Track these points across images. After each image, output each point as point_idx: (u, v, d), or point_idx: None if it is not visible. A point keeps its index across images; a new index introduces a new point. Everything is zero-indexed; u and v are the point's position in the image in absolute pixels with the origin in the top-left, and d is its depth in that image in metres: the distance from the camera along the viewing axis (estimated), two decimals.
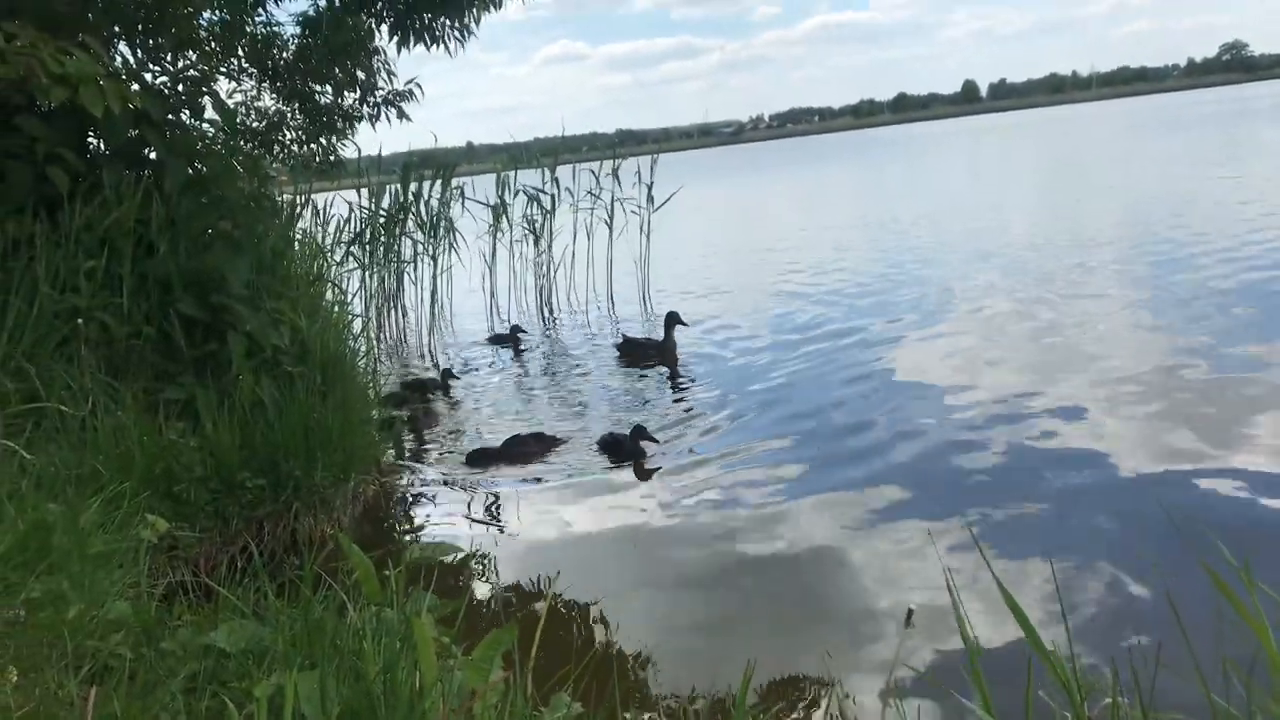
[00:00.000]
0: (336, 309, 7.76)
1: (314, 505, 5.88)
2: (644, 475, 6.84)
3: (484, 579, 5.39)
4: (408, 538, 6.24)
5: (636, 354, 10.34)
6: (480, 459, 7.46)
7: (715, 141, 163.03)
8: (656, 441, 7.34)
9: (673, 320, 10.34)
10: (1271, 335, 8.60)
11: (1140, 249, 14.10)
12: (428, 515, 6.61)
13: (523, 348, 11.79)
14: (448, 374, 9.59)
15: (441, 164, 14.17)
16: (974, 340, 9.67)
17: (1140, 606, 4.26)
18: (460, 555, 5.53)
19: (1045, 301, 11.22)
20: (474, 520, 6.37)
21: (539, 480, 7.03)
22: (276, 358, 6.19)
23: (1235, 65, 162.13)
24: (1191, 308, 10.08)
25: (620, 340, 10.82)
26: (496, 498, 6.76)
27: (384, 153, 14.23)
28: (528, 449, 7.48)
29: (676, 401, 8.74)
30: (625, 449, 7.21)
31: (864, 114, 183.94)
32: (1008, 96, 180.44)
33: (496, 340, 12.26)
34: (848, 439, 7.15)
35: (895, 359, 9.20)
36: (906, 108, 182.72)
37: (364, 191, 13.45)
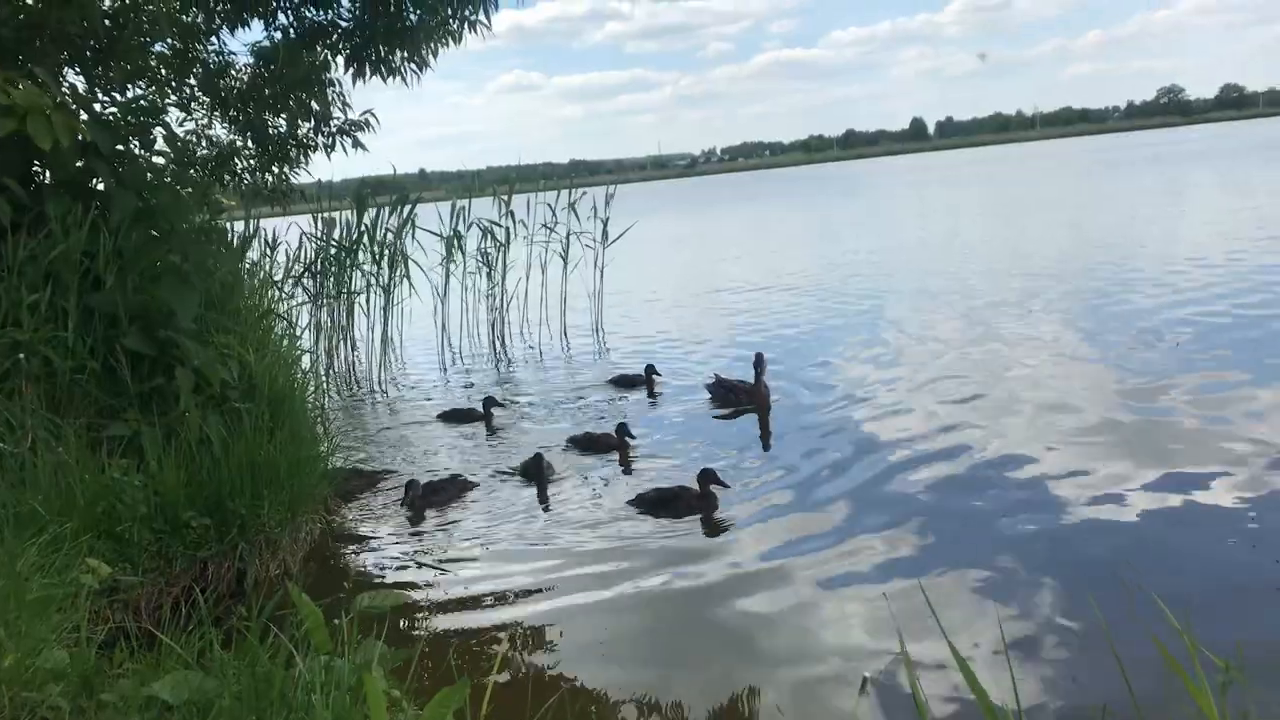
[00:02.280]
0: (285, 343, 7.68)
1: (260, 545, 5.79)
2: (714, 530, 6.49)
3: (436, 628, 5.28)
4: (357, 581, 6.13)
5: (728, 397, 9.75)
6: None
7: (669, 174, 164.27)
8: (727, 485, 6.98)
9: (762, 362, 9.63)
10: (1203, 370, 8.94)
11: (1082, 284, 14.54)
12: (378, 557, 6.49)
13: (658, 390, 10.64)
14: (623, 429, 8.49)
15: (394, 190, 14.12)
16: (929, 382, 9.79)
17: (1087, 662, 4.30)
18: (411, 603, 5.45)
19: (994, 335, 11.52)
20: (425, 564, 6.25)
21: (492, 523, 6.96)
22: (224, 393, 6.10)
23: (1172, 108, 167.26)
24: (1130, 343, 10.42)
25: (711, 381, 10.13)
26: (449, 541, 6.66)
27: (337, 179, 14.15)
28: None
29: (766, 451, 8.17)
30: (685, 503, 6.83)
31: (814, 149, 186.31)
32: (954, 134, 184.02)
33: (624, 383, 10.98)
34: (815, 487, 7.11)
35: (863, 410, 9.18)
36: (855, 144, 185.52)
37: (319, 219, 13.32)
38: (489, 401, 9.95)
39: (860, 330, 12.86)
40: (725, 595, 5.42)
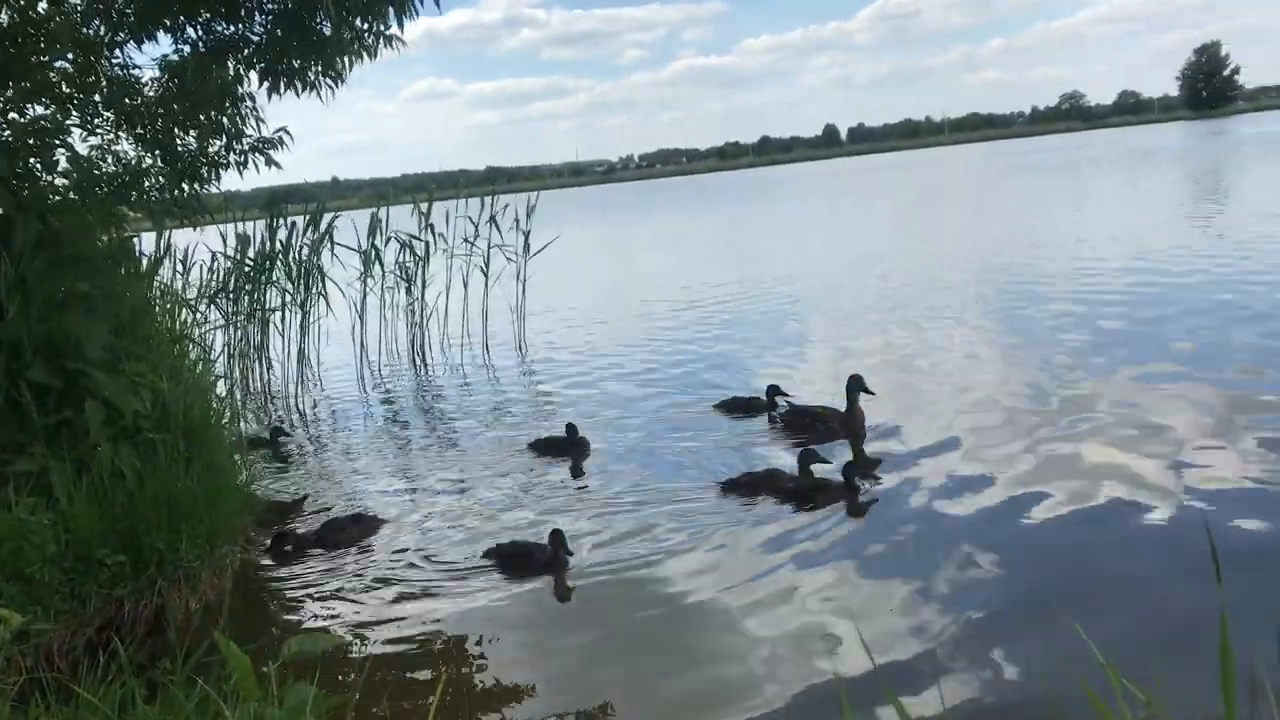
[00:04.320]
0: (200, 368, 7.48)
1: (179, 581, 5.62)
2: (856, 512, 6.69)
3: (367, 666, 5.07)
4: (281, 613, 5.97)
5: (807, 425, 8.78)
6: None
7: (587, 181, 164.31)
8: (877, 479, 7.13)
9: (858, 385, 8.65)
10: (1107, 366, 9.48)
11: (991, 284, 15.16)
12: (301, 586, 6.33)
13: (777, 420, 9.31)
14: (810, 457, 7.43)
15: (305, 199, 13.87)
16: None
17: (1009, 680, 4.41)
18: (342, 642, 5.30)
19: (909, 334, 12.00)
20: (350, 598, 6.06)
21: (417, 550, 6.82)
22: (137, 424, 5.92)
23: (1074, 114, 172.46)
24: (1039, 342, 10.96)
25: (784, 410, 9.21)
26: (375, 569, 6.51)
27: (247, 188, 13.78)
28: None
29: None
30: (829, 496, 6.91)
31: (729, 156, 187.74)
32: (866, 140, 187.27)
33: (736, 407, 9.65)
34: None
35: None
36: (770, 150, 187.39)
37: (230, 232, 12.94)
38: (572, 430, 8.81)
39: (789, 340, 13.07)
40: (680, 628, 5.30)
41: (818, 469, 7.34)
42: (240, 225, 13.11)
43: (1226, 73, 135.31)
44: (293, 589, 6.33)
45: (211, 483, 6.12)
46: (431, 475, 8.60)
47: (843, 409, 8.70)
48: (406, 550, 6.81)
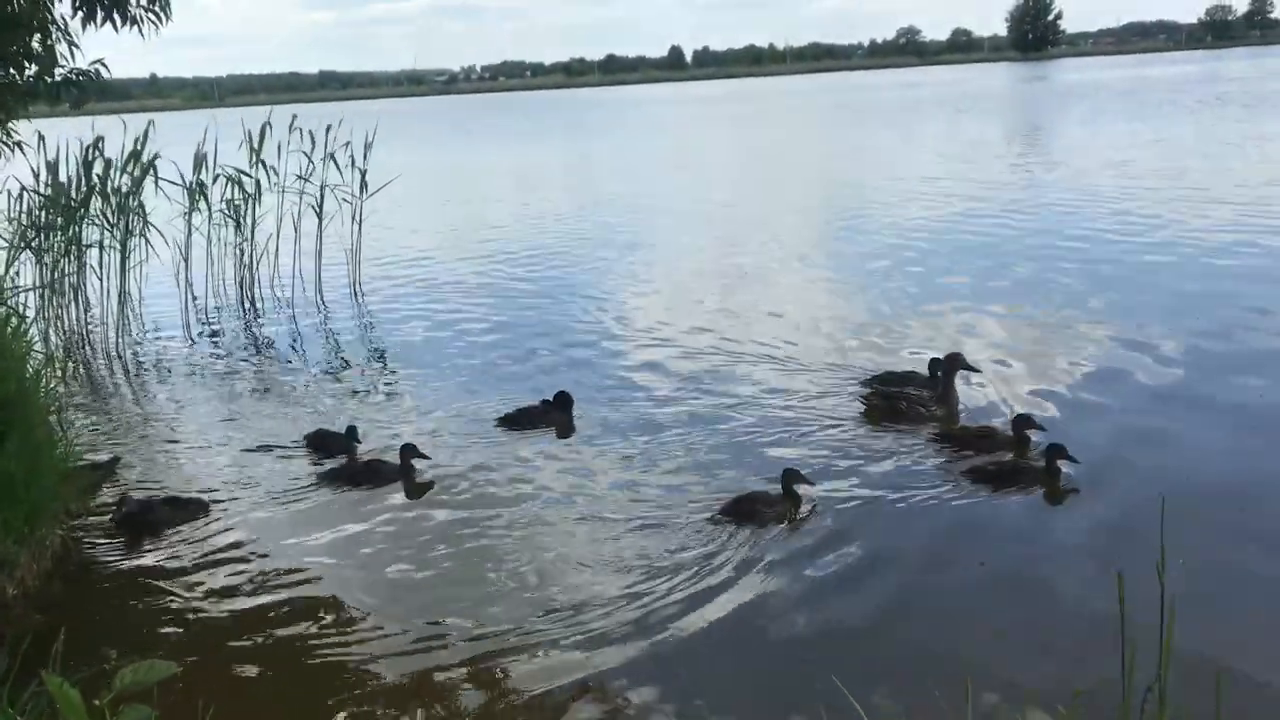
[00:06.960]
0: (11, 329, 7.09)
1: None
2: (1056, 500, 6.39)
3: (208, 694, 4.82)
4: (104, 602, 5.76)
5: (900, 409, 7.64)
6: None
7: (426, 91, 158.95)
8: (1077, 460, 6.43)
9: (956, 364, 7.80)
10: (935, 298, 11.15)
11: (825, 216, 16.94)
12: (125, 568, 6.13)
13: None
14: (1026, 423, 7.07)
15: (119, 97, 12.95)
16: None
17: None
18: (177, 671, 5.15)
19: (741, 263, 13.48)
20: (181, 591, 5.79)
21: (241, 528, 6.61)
22: None
23: (909, 49, 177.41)
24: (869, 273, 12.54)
25: (870, 392, 8.00)
26: (200, 555, 6.23)
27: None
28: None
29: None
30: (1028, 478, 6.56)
31: (575, 73, 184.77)
32: (711, 64, 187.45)
33: (892, 382, 8.27)
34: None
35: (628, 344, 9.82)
36: (615, 70, 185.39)
37: (41, 162, 11.98)
38: (563, 397, 8.11)
39: (640, 289, 13.47)
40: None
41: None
42: (48, 153, 12.13)
43: (1051, 17, 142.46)
44: (116, 569, 6.13)
45: (29, 461, 5.89)
46: (260, 436, 8.28)
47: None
48: (232, 528, 6.60)
